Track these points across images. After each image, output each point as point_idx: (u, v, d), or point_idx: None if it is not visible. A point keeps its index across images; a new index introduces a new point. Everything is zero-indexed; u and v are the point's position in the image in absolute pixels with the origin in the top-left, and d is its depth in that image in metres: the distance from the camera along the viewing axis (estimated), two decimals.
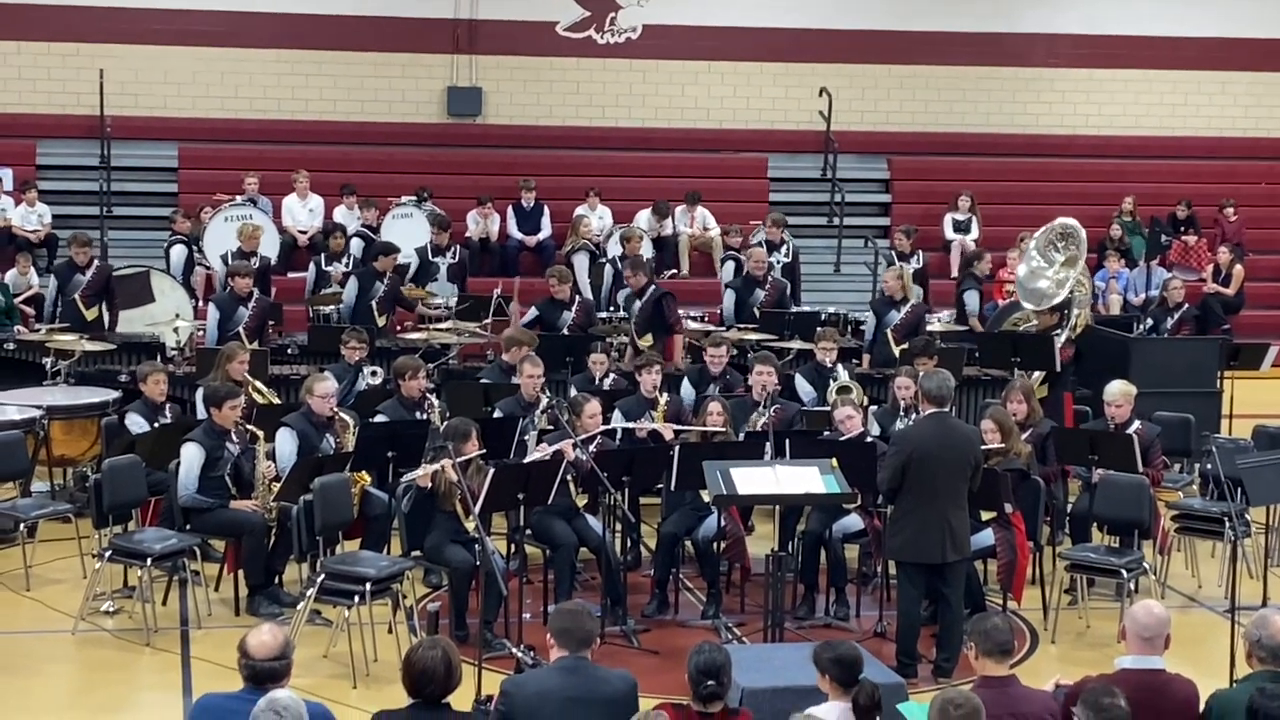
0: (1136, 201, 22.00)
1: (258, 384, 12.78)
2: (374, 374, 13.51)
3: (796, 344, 15.08)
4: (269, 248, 18.18)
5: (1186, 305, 16.78)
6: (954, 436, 9.86)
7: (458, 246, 18.51)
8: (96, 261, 16.28)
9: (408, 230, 18.74)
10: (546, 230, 20.46)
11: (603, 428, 11.31)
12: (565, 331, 15.11)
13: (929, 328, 16.01)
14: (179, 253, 17.89)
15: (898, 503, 9.83)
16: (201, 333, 15.44)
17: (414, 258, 18.02)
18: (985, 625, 6.82)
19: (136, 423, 12.10)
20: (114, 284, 16.05)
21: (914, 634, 9.86)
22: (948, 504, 9.71)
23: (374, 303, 16.02)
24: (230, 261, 16.50)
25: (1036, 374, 14.04)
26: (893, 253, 19.14)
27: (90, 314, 15.76)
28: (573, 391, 12.94)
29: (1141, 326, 17.35)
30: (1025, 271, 15.10)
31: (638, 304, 15.41)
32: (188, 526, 10.87)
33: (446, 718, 6.28)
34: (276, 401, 12.91)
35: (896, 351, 15.12)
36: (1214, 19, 23.61)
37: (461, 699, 6.53)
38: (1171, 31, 23.55)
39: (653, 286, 15.57)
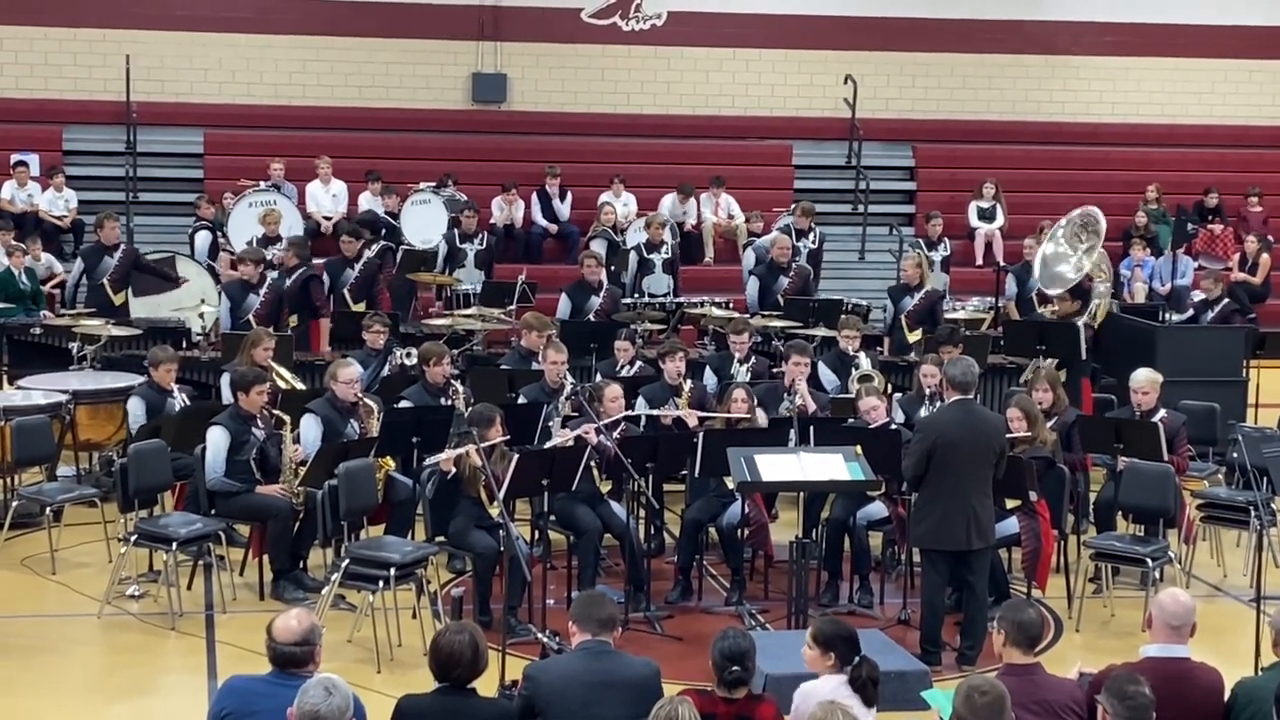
0: (1162, 190, 21.95)
1: (281, 370, 12.80)
2: (408, 355, 13.51)
3: (820, 331, 15.06)
4: (294, 234, 18.18)
5: (1227, 300, 16.60)
6: (979, 423, 9.84)
7: (486, 234, 18.51)
8: (123, 245, 16.32)
9: (426, 217, 18.74)
10: (565, 215, 20.48)
11: (626, 414, 11.31)
12: (592, 317, 15.13)
13: (952, 315, 15.99)
14: (203, 238, 17.95)
15: (922, 490, 9.81)
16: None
17: (436, 243, 18.01)
18: (1020, 617, 6.76)
19: (137, 407, 12.15)
20: (145, 266, 16.10)
21: (938, 621, 9.85)
22: (972, 491, 9.69)
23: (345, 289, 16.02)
24: (253, 247, 16.52)
25: (1049, 360, 13.92)
26: (921, 240, 19.13)
27: (118, 299, 15.81)
28: (597, 378, 12.96)
29: (1168, 316, 17.25)
30: (1052, 250, 14.99)
31: (287, 282, 15.36)
32: (213, 511, 10.90)
33: (472, 703, 6.29)
34: (300, 387, 12.93)
35: (910, 338, 15.11)
36: (1241, 7, 23.55)
37: (486, 685, 6.55)
38: (1198, 19, 23.48)
39: (304, 268, 15.56)
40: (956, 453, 9.64)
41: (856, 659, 6.68)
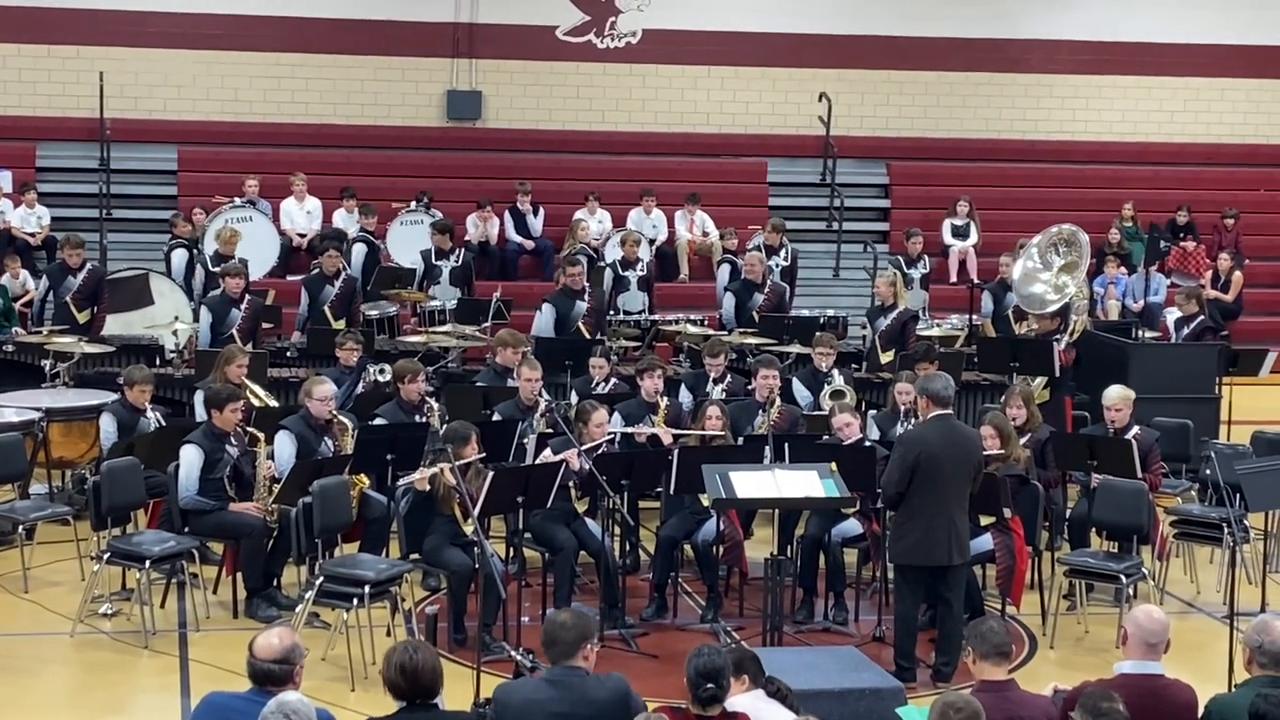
0: (1135, 207, 22.02)
1: (255, 387, 12.76)
2: (382, 371, 13.49)
3: (795, 348, 15.09)
4: (270, 251, 18.18)
5: (1202, 316, 16.67)
6: (960, 439, 9.87)
7: (462, 250, 18.46)
8: (90, 264, 16.24)
9: (416, 237, 18.76)
10: (536, 232, 20.49)
11: (605, 438, 11.28)
12: (580, 324, 15.07)
13: (927, 332, 16.04)
14: (180, 256, 17.82)
15: (904, 506, 9.75)
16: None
17: (419, 262, 17.98)
18: (981, 628, 6.84)
19: (109, 424, 12.12)
20: (105, 288, 16.00)
21: (913, 638, 9.85)
22: (954, 506, 9.70)
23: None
24: (231, 264, 16.43)
25: (1039, 379, 14.00)
26: (900, 258, 19.17)
27: (82, 316, 15.71)
28: (573, 396, 12.96)
29: (1141, 333, 17.32)
30: (1020, 274, 15.08)
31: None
32: (186, 529, 10.86)
33: (441, 716, 6.26)
34: (273, 404, 12.90)
35: (884, 358, 15.14)
36: (1214, 26, 23.62)
37: (460, 701, 6.53)
38: (1171, 38, 23.56)
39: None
40: (940, 467, 9.65)
41: (764, 676, 6.78)
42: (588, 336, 15.13)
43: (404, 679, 6.16)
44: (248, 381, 12.55)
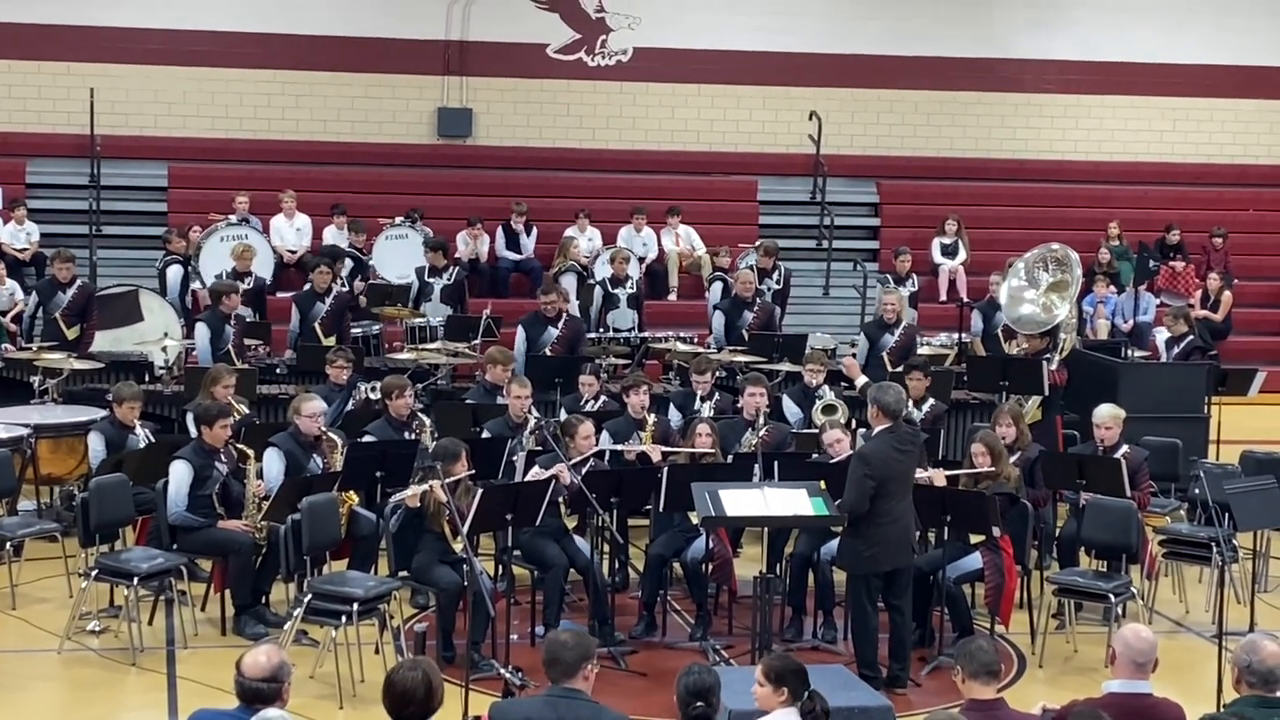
0: (1123, 226, 22.07)
1: (241, 408, 12.72)
2: (373, 389, 13.46)
3: (784, 366, 15.10)
4: (265, 268, 18.17)
5: (1191, 336, 16.69)
6: (908, 441, 10.00)
7: (455, 268, 18.43)
8: (79, 280, 16.21)
9: (402, 251, 18.73)
10: (529, 250, 20.51)
11: (592, 450, 11.29)
12: (548, 350, 15.04)
13: (920, 350, 16.05)
14: (175, 272, 17.77)
15: (869, 516, 9.77)
16: (194, 351, 15.32)
17: (413, 279, 17.99)
18: (970, 647, 6.83)
19: (96, 442, 12.11)
20: (94, 304, 15.97)
21: (875, 647, 9.94)
22: (907, 507, 9.91)
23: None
24: (224, 281, 16.40)
25: (1033, 398, 14.00)
26: (889, 276, 19.19)
27: (71, 333, 15.68)
28: (562, 413, 12.95)
29: (1130, 353, 17.33)
30: (1006, 295, 15.08)
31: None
32: (175, 545, 10.84)
33: None
34: (256, 423, 12.87)
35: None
36: (1203, 46, 23.71)
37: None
38: (1161, 58, 23.65)
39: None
40: (898, 479, 9.79)
41: (807, 693, 6.65)
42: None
43: (390, 698, 6.16)
44: (234, 401, 12.53)
